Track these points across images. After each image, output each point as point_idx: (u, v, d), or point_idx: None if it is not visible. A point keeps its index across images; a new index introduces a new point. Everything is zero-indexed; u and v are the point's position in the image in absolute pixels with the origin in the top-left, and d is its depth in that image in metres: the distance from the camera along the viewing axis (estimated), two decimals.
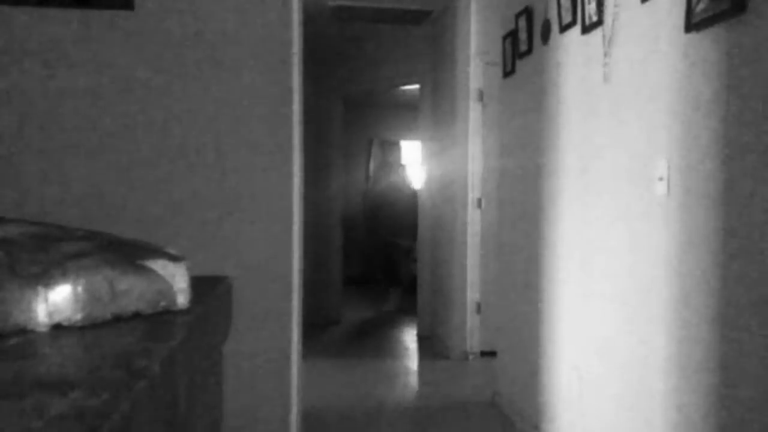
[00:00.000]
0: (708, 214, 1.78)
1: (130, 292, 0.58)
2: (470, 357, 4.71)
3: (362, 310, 6.72)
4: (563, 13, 2.70)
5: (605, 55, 2.35)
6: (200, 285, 0.74)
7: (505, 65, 3.54)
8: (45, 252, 0.55)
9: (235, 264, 2.01)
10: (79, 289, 0.54)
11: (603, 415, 2.42)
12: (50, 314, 0.53)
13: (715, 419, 1.76)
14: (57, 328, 0.53)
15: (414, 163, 8.46)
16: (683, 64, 1.89)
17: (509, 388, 3.47)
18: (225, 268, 1.98)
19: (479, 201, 4.71)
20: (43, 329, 0.53)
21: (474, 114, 4.67)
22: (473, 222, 4.70)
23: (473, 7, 4.62)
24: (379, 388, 4.06)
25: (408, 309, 6.56)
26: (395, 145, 7.08)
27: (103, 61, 1.96)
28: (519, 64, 3.32)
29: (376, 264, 7.03)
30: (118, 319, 0.57)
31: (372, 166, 7.56)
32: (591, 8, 2.44)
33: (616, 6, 2.26)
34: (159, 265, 0.61)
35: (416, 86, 5.90)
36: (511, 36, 3.38)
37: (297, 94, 2.13)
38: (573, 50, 2.66)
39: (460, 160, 4.74)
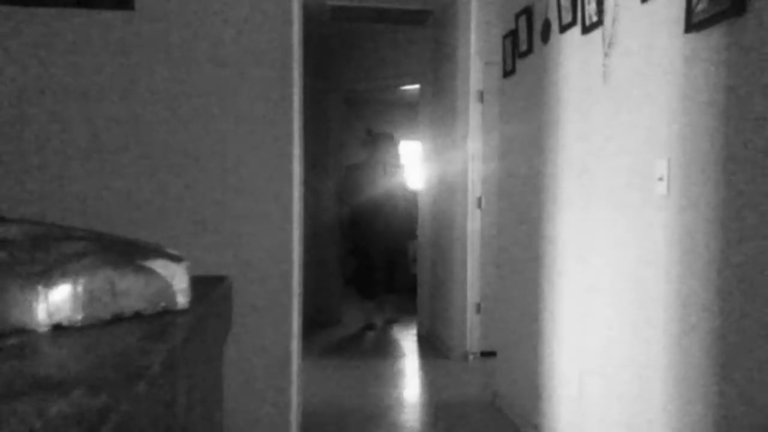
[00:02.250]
0: (708, 213, 1.78)
1: (130, 292, 0.58)
2: (470, 357, 4.71)
3: (362, 310, 6.71)
4: (563, 13, 2.70)
5: (605, 55, 2.35)
6: (200, 285, 0.74)
7: (505, 65, 3.54)
8: (45, 252, 0.55)
9: (235, 264, 2.01)
10: (79, 289, 0.54)
11: (603, 415, 2.42)
12: (50, 314, 0.53)
13: (715, 419, 1.76)
14: (57, 328, 0.53)
15: (412, 162, 8.38)
16: (683, 64, 1.89)
17: (509, 388, 3.47)
18: (225, 268, 1.98)
19: (479, 201, 4.71)
20: (43, 329, 0.53)
21: (474, 114, 4.67)
22: (473, 222, 4.70)
23: (473, 7, 4.62)
24: (379, 388, 4.05)
25: (405, 316, 6.39)
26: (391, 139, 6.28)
27: (103, 61, 1.96)
28: (519, 64, 3.32)
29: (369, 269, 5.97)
30: (118, 319, 0.57)
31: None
32: (591, 8, 2.44)
33: (616, 6, 2.26)
34: (159, 265, 0.61)
35: (416, 86, 5.90)
36: (511, 36, 3.38)
37: (297, 94, 2.13)
38: (573, 50, 2.66)
39: (460, 160, 4.74)
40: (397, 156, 6.00)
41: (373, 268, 5.91)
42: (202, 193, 2.01)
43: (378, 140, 5.99)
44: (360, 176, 5.88)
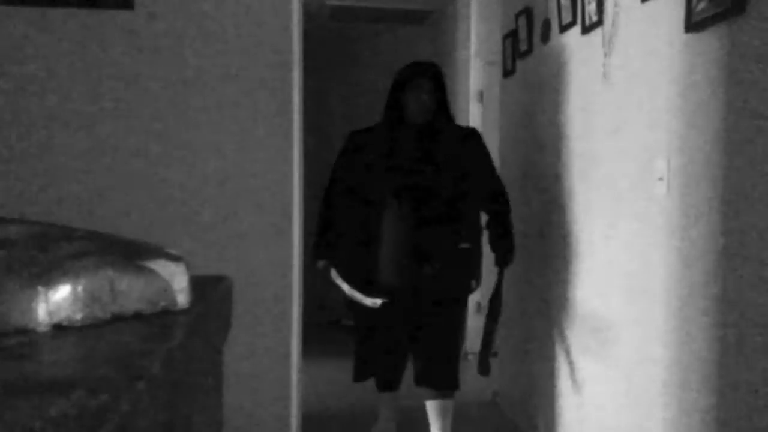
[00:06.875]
0: (708, 213, 1.78)
1: (130, 292, 0.58)
2: (470, 357, 4.71)
3: None
4: (563, 13, 2.70)
5: (605, 55, 2.35)
6: (200, 285, 0.74)
7: (505, 65, 3.54)
8: (45, 252, 0.55)
9: (235, 264, 2.01)
10: (79, 289, 0.54)
11: (603, 415, 2.42)
12: (50, 314, 0.53)
13: (715, 419, 1.76)
14: (57, 328, 0.53)
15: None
16: (683, 64, 1.89)
17: (509, 388, 3.47)
18: (225, 268, 1.98)
19: None
20: (43, 329, 0.53)
21: (474, 114, 4.67)
22: None
23: (473, 7, 4.62)
24: None
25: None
26: None
27: (103, 61, 1.96)
28: (519, 64, 3.32)
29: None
30: (118, 319, 0.57)
31: None
32: (591, 8, 2.44)
33: (616, 6, 2.26)
34: (159, 265, 0.61)
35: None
36: (511, 36, 3.38)
37: (297, 95, 2.13)
38: (573, 50, 2.66)
39: None
40: (443, 102, 2.81)
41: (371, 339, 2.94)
42: (202, 193, 2.01)
43: (405, 75, 2.90)
44: (367, 152, 2.83)
